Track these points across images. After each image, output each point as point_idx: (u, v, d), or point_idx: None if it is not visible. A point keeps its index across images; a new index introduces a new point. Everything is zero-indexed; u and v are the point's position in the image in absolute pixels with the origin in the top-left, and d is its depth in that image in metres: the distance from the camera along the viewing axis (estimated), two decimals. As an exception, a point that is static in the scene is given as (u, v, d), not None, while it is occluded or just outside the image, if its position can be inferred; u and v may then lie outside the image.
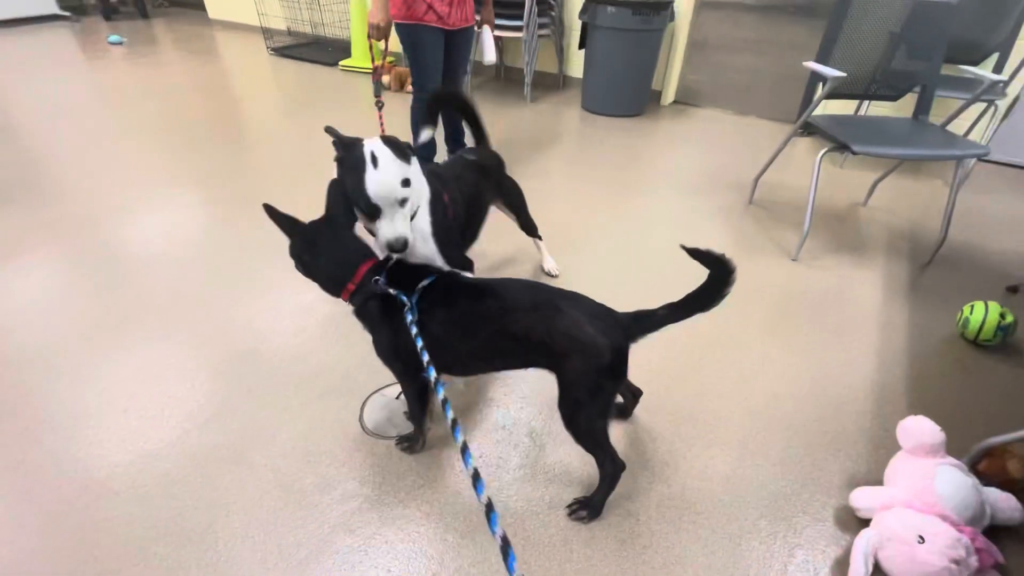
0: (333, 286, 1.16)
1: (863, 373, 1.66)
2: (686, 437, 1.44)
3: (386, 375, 1.56)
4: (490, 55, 2.38)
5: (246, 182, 2.68)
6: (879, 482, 1.28)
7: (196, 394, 1.52)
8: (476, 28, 2.45)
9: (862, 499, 1.23)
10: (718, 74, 3.82)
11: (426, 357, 0.96)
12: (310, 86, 4.19)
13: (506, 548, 0.63)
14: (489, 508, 0.68)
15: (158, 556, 1.13)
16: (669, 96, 3.93)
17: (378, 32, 2.04)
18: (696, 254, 1.03)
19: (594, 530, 1.21)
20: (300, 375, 1.59)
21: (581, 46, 3.61)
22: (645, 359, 1.66)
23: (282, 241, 1.19)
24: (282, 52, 4.95)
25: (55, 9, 5.82)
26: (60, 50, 4.95)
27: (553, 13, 3.77)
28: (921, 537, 1.07)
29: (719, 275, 1.01)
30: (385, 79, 4.03)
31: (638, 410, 1.49)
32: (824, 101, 2.10)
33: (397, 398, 1.52)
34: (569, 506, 1.25)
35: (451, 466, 1.34)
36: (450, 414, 0.81)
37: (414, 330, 1.01)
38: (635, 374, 1.60)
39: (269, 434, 1.41)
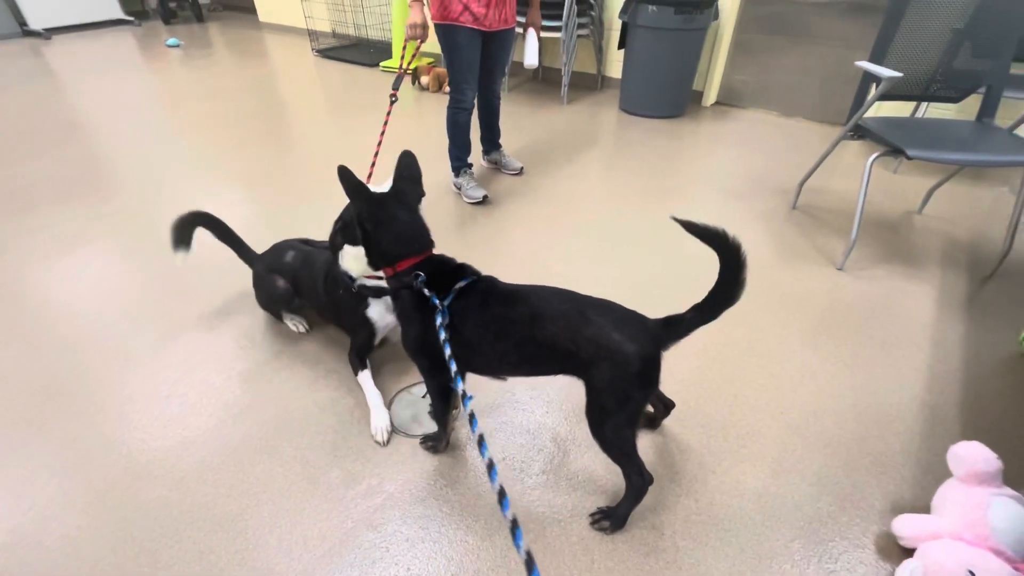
0: (376, 261, 1.18)
1: (912, 392, 1.56)
2: (717, 450, 1.39)
3: (413, 375, 1.59)
4: (532, 59, 2.36)
5: (288, 180, 2.77)
6: (926, 510, 1.20)
7: (232, 384, 1.58)
8: (519, 30, 2.44)
9: (906, 527, 1.16)
10: (763, 74, 3.69)
11: (454, 366, 0.94)
12: (351, 87, 4.29)
13: (531, 564, 0.62)
14: (514, 525, 0.67)
15: (191, 540, 1.18)
16: (711, 97, 3.82)
17: (415, 32, 2.06)
18: (693, 229, 1.02)
19: (617, 541, 1.18)
20: (329, 370, 1.62)
21: (621, 46, 3.56)
22: (676, 368, 1.61)
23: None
24: (326, 54, 5.09)
25: (120, 14, 6.17)
26: (123, 53, 5.25)
27: (593, 13, 3.72)
28: (971, 573, 1.00)
29: (727, 257, 1.00)
30: (424, 80, 4.09)
31: (668, 421, 1.45)
32: (877, 103, 1.99)
33: (423, 397, 1.54)
34: (592, 515, 1.22)
35: (474, 468, 1.34)
36: (476, 430, 0.80)
37: (443, 335, 1.01)
38: (664, 383, 1.56)
39: (299, 427, 1.44)
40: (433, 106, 3.87)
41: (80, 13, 5.88)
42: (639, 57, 3.46)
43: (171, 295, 1.93)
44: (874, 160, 1.96)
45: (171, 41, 5.48)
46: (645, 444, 1.39)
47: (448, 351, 0.97)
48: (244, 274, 1.83)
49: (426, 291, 1.09)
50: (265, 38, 5.86)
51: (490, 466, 0.73)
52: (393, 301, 1.23)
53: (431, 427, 1.43)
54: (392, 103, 1.95)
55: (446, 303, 1.08)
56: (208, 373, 1.62)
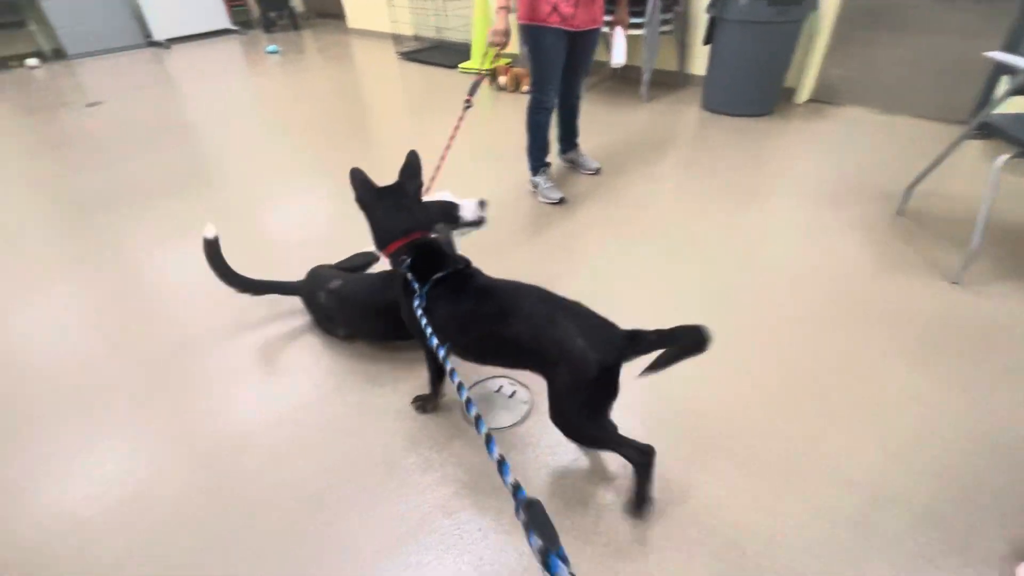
0: (376, 243, 1.30)
1: (1043, 425, 1.38)
2: (804, 471, 1.30)
3: (482, 371, 1.62)
4: (619, 58, 2.32)
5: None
6: (1061, 559, 1.06)
7: (320, 367, 1.68)
8: (605, 29, 2.41)
9: (1035, 576, 1.02)
10: (866, 68, 3.39)
11: (435, 342, 1.02)
12: (431, 88, 4.43)
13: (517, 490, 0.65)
14: (488, 439, 0.77)
15: (281, 509, 1.27)
16: (804, 93, 3.57)
17: (498, 39, 2.08)
18: (664, 361, 1.06)
19: (694, 556, 1.13)
20: (411, 359, 1.68)
21: (707, 41, 3.41)
22: (759, 380, 1.53)
23: (405, 233, 1.27)
24: (409, 56, 5.29)
25: (228, 24, 6.77)
26: (229, 59, 5.75)
27: (677, 8, 3.60)
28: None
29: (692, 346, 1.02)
30: (502, 79, 4.14)
31: (745, 436, 1.37)
32: (1011, 98, 1.77)
33: (497, 391, 1.56)
34: (626, 510, 1.22)
35: (546, 465, 1.34)
36: (472, 411, 0.85)
37: (419, 314, 1.11)
38: (746, 393, 1.49)
39: (380, 412, 1.51)
40: (510, 106, 3.91)
41: (195, 25, 6.52)
42: (726, 52, 3.30)
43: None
44: (1005, 162, 1.75)
45: (270, 48, 5.92)
46: (721, 458, 1.33)
47: (428, 331, 1.05)
48: (329, 256, 1.94)
49: (409, 275, 1.19)
50: (353, 43, 6.19)
51: (501, 461, 0.75)
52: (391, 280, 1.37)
53: (501, 421, 1.45)
54: (466, 109, 1.98)
55: (424, 289, 1.17)
56: (300, 353, 1.74)
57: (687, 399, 1.49)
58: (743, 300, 1.86)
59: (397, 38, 5.62)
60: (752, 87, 3.34)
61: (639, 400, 1.49)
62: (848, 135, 3.13)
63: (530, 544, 0.58)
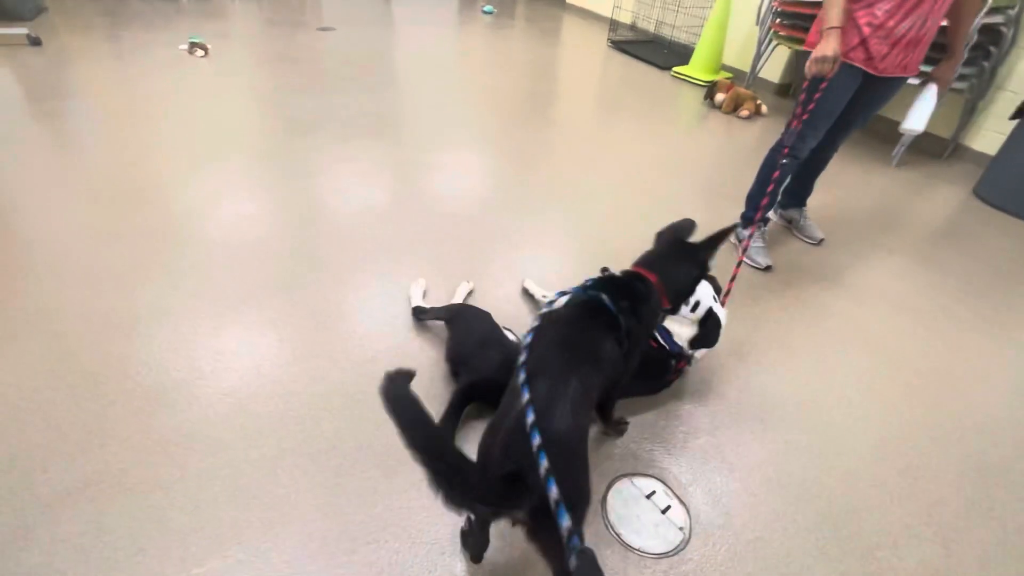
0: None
1: None
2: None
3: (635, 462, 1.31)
4: (919, 123, 1.77)
5: (547, 170, 2.69)
6: None
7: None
8: (914, 80, 1.87)
9: None
10: None
11: None
12: (632, 86, 4.07)
13: None
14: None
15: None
16: None
17: (824, 67, 1.59)
18: None
19: None
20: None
21: (1016, 116, 2.63)
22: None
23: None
24: (619, 46, 4.96)
25: (453, -23, 6.93)
26: (447, 12, 5.88)
27: (985, 63, 2.82)
28: None
29: None
30: (719, 97, 3.65)
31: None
32: None
33: (648, 497, 1.27)
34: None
35: None
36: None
37: None
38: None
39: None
40: (722, 129, 3.43)
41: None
42: (1042, 136, 2.51)
43: (412, 232, 1.98)
44: None
45: (487, 8, 5.95)
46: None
47: None
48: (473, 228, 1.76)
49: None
50: (566, 19, 5.99)
51: None
52: None
53: (645, 542, 1.16)
54: (737, 267, 1.58)
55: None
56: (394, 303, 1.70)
57: None
58: (989, 480, 1.33)
59: (613, 24, 5.30)
60: (1062, 188, 2.52)
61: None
62: None
63: None
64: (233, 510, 1.15)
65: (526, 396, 0.84)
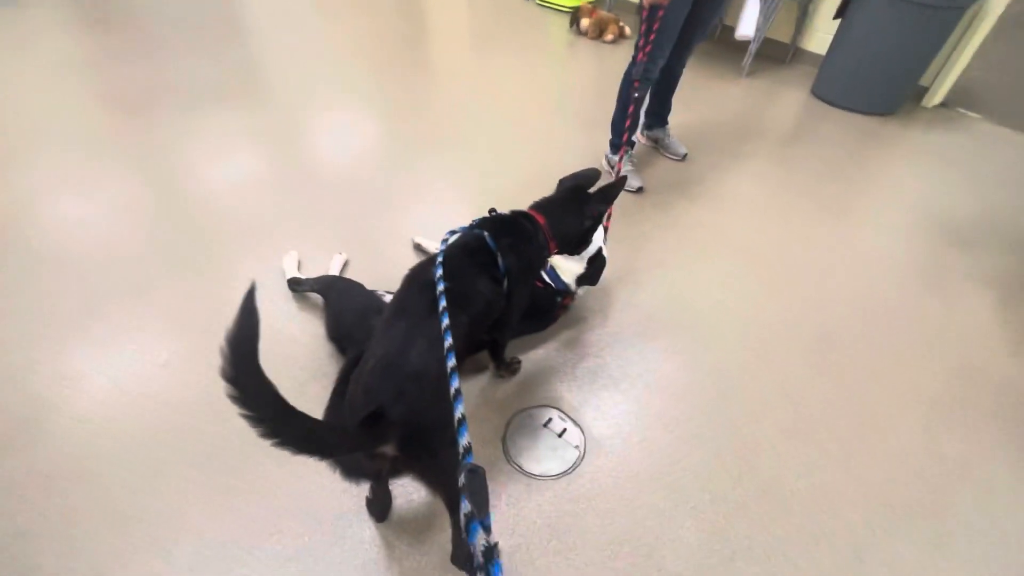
0: None
1: None
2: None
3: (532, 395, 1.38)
4: (748, 28, 1.88)
5: (424, 118, 2.58)
6: None
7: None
8: None
9: None
10: (1019, 78, 2.84)
11: None
12: (500, 19, 3.93)
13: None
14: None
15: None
16: (937, 96, 3.04)
17: None
18: None
19: None
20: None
21: (838, 15, 2.87)
22: (853, 469, 1.27)
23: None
24: (481, -24, 4.71)
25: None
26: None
27: (811, -33, 3.02)
28: None
29: None
30: (584, 23, 3.63)
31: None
32: None
33: (545, 424, 1.34)
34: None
35: (591, 530, 1.14)
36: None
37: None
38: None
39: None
40: (589, 56, 3.44)
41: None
42: (860, 32, 2.77)
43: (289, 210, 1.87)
44: None
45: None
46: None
47: None
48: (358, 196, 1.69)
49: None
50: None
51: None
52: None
53: (546, 467, 1.25)
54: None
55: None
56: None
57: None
58: (827, 347, 1.57)
59: (471, -48, 5.00)
60: (880, 79, 2.83)
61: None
62: (984, 156, 2.66)
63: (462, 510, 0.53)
64: (113, 538, 1.07)
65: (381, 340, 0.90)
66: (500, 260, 1.08)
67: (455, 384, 0.71)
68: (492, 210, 1.19)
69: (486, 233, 1.10)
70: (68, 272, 1.64)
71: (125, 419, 1.27)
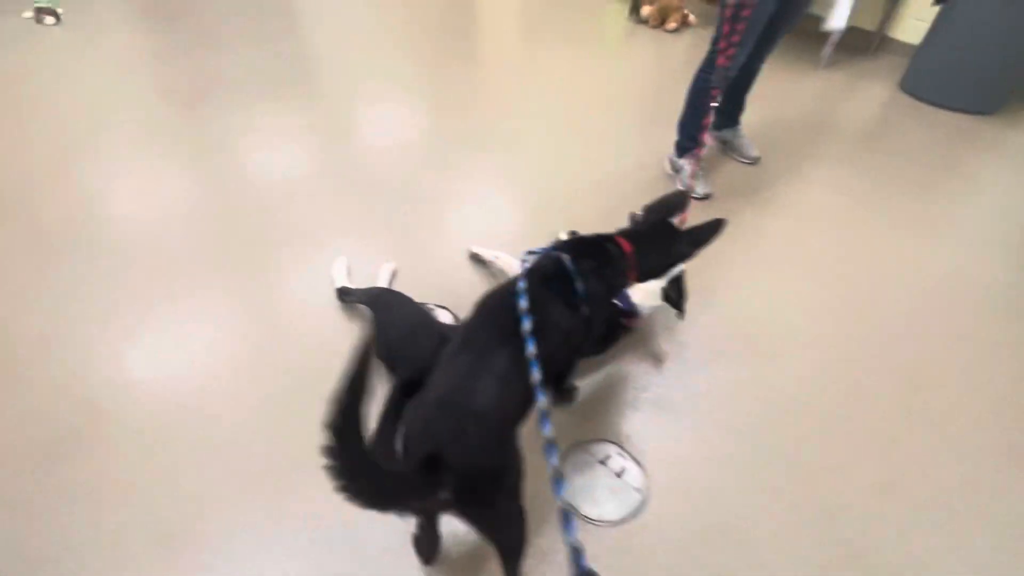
0: None
1: None
2: None
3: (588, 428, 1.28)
4: (840, 21, 1.67)
5: (473, 114, 2.48)
6: None
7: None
8: None
9: None
10: None
11: None
12: (556, 6, 3.76)
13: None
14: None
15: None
16: (1049, 92, 2.69)
17: None
18: None
19: None
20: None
21: (939, 0, 2.56)
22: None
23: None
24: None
25: None
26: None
27: (907, -54, 2.71)
28: None
29: None
30: (645, 10, 3.42)
31: None
32: None
33: (601, 462, 1.24)
34: None
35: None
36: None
37: None
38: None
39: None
40: (650, 46, 3.24)
41: None
42: (964, 19, 2.46)
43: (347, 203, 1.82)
44: None
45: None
46: None
47: None
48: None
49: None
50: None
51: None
52: None
53: (604, 510, 1.14)
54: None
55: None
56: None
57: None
58: (921, 386, 1.38)
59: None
60: (983, 74, 2.52)
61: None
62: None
63: None
64: (160, 562, 1.05)
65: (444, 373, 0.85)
66: (579, 285, 0.98)
67: (547, 431, 0.65)
68: (573, 232, 1.10)
69: (566, 256, 1.00)
70: (124, 273, 1.64)
71: (177, 433, 1.25)
